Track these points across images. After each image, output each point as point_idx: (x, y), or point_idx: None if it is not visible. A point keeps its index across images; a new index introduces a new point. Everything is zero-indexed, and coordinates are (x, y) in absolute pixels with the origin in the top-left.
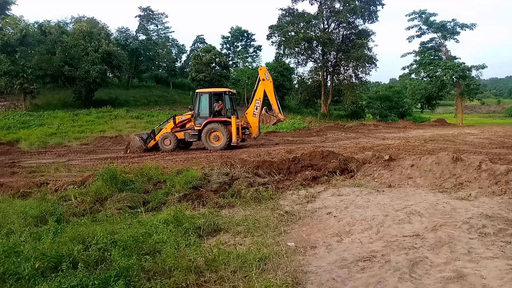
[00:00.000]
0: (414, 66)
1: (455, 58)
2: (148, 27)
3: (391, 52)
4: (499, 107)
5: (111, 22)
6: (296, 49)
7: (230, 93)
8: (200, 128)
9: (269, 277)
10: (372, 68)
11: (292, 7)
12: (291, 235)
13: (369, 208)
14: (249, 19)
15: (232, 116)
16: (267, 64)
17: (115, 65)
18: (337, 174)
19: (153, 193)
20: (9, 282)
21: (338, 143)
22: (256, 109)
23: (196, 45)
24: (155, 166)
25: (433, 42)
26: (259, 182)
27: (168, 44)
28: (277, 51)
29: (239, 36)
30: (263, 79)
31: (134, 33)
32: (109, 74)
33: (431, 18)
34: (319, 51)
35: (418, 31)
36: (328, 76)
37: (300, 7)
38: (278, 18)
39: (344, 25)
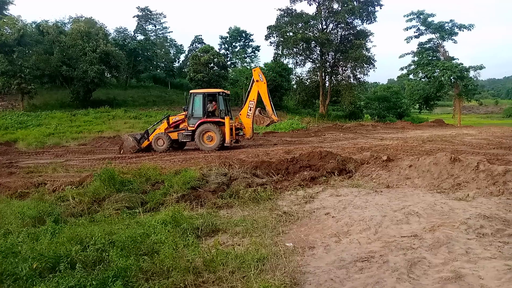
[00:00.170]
0: (412, 66)
1: (453, 58)
2: (146, 27)
3: (389, 53)
4: (497, 107)
5: (109, 22)
6: (295, 49)
7: (224, 94)
8: (193, 128)
9: (267, 278)
10: (370, 68)
11: (290, 8)
12: (289, 235)
13: (367, 208)
14: (248, 20)
15: (225, 117)
16: (266, 65)
17: (113, 65)
18: (335, 174)
19: (151, 194)
20: (7, 282)
21: (336, 144)
22: (250, 110)
23: (194, 45)
24: (153, 167)
25: (431, 42)
26: (257, 183)
27: (166, 44)
28: (276, 51)
29: (238, 36)
30: (257, 80)
31: (132, 33)
32: (107, 74)
33: (429, 19)
34: (317, 52)
35: (416, 32)
36: (326, 76)
37: (299, 7)
38: (277, 19)
39: (343, 25)
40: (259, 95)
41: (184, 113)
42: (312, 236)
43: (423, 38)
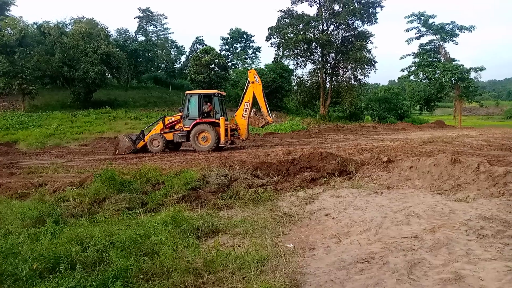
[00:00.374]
0: (413, 68)
1: (453, 60)
2: (148, 28)
3: (390, 54)
4: (498, 109)
5: (110, 23)
6: (295, 50)
7: (219, 95)
8: (189, 129)
9: (268, 279)
10: (371, 70)
11: (291, 9)
12: (290, 236)
13: (368, 209)
14: (249, 21)
15: (220, 118)
16: (266, 66)
17: (114, 66)
18: (336, 175)
19: (152, 194)
20: (7, 283)
21: (336, 145)
22: (245, 111)
23: (195, 46)
24: (153, 167)
25: (432, 44)
26: (257, 184)
27: (167, 45)
28: (276, 52)
29: (238, 37)
30: (252, 82)
31: (133, 34)
32: (108, 75)
33: (430, 20)
34: (318, 53)
35: (417, 33)
36: (327, 77)
37: (299, 8)
38: (277, 20)
39: (343, 27)
40: (254, 96)
41: (179, 114)
42: (312, 237)
43: (424, 40)
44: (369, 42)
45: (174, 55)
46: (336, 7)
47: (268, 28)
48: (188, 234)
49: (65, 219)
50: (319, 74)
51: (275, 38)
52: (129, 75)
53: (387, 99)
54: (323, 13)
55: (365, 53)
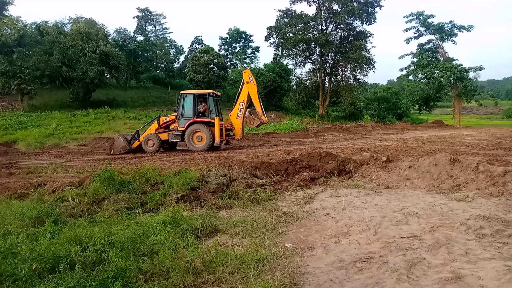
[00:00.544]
0: (412, 67)
1: (452, 59)
2: (146, 28)
3: (389, 54)
4: (497, 108)
5: (109, 23)
6: (294, 50)
7: (214, 95)
8: (183, 129)
9: (267, 278)
10: (370, 69)
11: (290, 9)
12: (289, 236)
13: (367, 209)
14: (247, 20)
15: (215, 117)
16: (265, 65)
17: (113, 66)
18: (335, 175)
19: (151, 194)
20: (6, 283)
21: (336, 144)
22: (240, 111)
23: (194, 46)
24: (152, 167)
25: (431, 43)
26: (257, 183)
27: (166, 45)
28: (275, 52)
29: (237, 37)
30: (247, 82)
31: (132, 34)
32: (107, 75)
33: (429, 20)
34: (317, 53)
35: (416, 33)
36: (326, 77)
37: (298, 8)
38: (276, 19)
39: (342, 26)
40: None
41: (174, 113)
42: (311, 237)
43: (423, 39)
44: (368, 41)
45: (173, 55)
46: (335, 6)
47: (267, 28)
48: (188, 234)
49: (64, 219)
50: (318, 74)
51: (274, 38)
52: (128, 75)
53: (386, 99)
54: (322, 13)
55: (364, 53)
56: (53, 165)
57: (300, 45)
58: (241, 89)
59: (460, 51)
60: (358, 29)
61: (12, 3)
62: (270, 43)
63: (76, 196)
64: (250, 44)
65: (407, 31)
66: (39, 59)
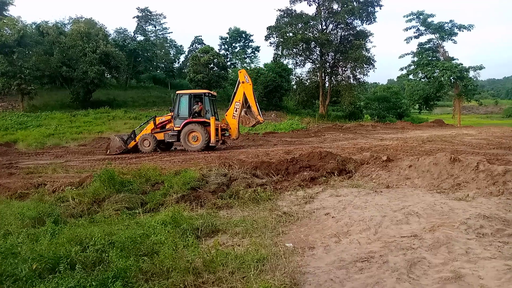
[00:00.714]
0: (412, 67)
1: (452, 59)
2: (146, 28)
3: (389, 53)
4: (497, 107)
5: (109, 23)
6: (294, 50)
7: (210, 95)
8: (179, 129)
9: (267, 278)
10: (370, 69)
11: (290, 8)
12: (289, 236)
13: (367, 208)
14: (248, 20)
15: (211, 117)
16: (265, 65)
17: (113, 66)
18: (335, 174)
19: (151, 194)
20: (6, 283)
21: (336, 144)
22: (236, 111)
23: (194, 46)
24: (153, 167)
25: (431, 43)
26: (257, 183)
27: (166, 45)
28: (275, 52)
29: (237, 37)
30: (242, 82)
31: (132, 34)
32: (107, 75)
33: (429, 19)
34: (317, 52)
35: (416, 32)
36: (326, 77)
37: (298, 8)
38: (276, 19)
39: (342, 26)
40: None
41: (170, 113)
42: (312, 237)
43: (423, 39)
44: (368, 41)
45: (173, 55)
46: (335, 6)
47: (267, 28)
48: (188, 233)
49: (64, 219)
50: (318, 73)
51: (274, 38)
52: (128, 75)
53: (386, 98)
54: (322, 12)
55: (364, 52)
56: (53, 165)
57: (300, 45)
58: (236, 89)
59: (460, 50)
60: (358, 28)
61: (12, 3)
62: (270, 42)
63: (76, 196)
64: (250, 43)
65: (407, 30)
66: (39, 59)
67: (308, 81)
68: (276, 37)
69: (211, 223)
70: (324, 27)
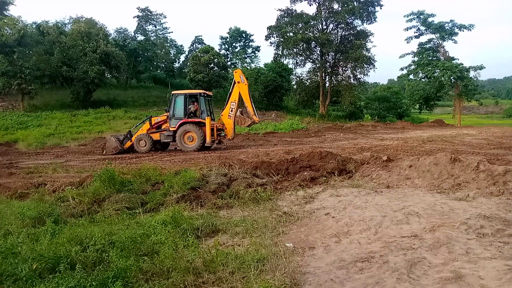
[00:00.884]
0: (413, 67)
1: (453, 59)
2: (147, 27)
3: (390, 53)
4: (497, 107)
5: (109, 22)
6: (295, 49)
7: (205, 95)
8: (175, 129)
9: (267, 278)
10: (371, 69)
11: (290, 8)
12: (290, 236)
13: (367, 208)
14: (248, 20)
15: (206, 117)
16: (266, 65)
17: (113, 66)
18: (336, 174)
19: (151, 194)
20: (7, 283)
21: (336, 144)
22: (231, 111)
23: (194, 45)
24: (153, 167)
25: (431, 43)
26: (257, 183)
27: (166, 44)
28: (276, 51)
29: (238, 36)
30: (238, 82)
31: (133, 34)
32: (107, 75)
33: (429, 19)
34: (318, 52)
35: (417, 32)
36: (327, 76)
37: (299, 7)
38: (277, 19)
39: (343, 25)
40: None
41: (166, 114)
42: (312, 237)
43: (423, 38)
44: (368, 41)
45: (173, 55)
46: (336, 6)
47: (268, 27)
48: (188, 233)
49: (64, 219)
50: (318, 73)
51: (274, 37)
52: (128, 74)
53: (386, 98)
54: (323, 12)
55: (364, 52)
56: (54, 165)
57: (300, 45)
58: (232, 89)
59: (460, 50)
60: (358, 28)
61: (12, 3)
62: (270, 42)
63: (76, 196)
64: (250, 43)
65: (407, 30)
66: (40, 59)
67: (309, 81)
68: (277, 37)
69: (211, 223)
70: (325, 27)
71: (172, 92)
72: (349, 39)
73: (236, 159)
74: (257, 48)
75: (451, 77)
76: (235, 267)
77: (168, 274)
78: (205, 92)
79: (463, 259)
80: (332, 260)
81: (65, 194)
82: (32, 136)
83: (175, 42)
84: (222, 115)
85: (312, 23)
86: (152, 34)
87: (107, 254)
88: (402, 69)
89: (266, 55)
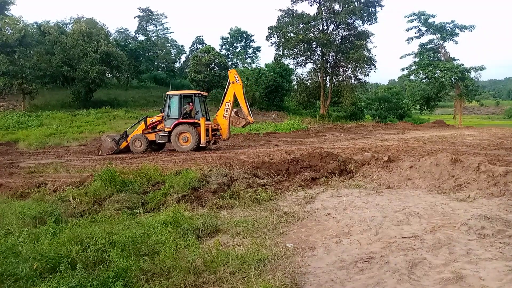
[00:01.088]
0: (413, 67)
1: (454, 59)
2: (147, 27)
3: (390, 53)
4: (498, 108)
5: (110, 22)
6: (295, 50)
7: (200, 95)
8: (170, 129)
9: (268, 278)
10: (371, 69)
11: (291, 8)
12: (290, 236)
13: (368, 209)
14: (249, 20)
15: (201, 118)
16: (266, 65)
17: (114, 66)
18: (336, 175)
19: (152, 194)
20: (7, 283)
21: (337, 144)
22: (226, 111)
23: (195, 45)
24: (154, 167)
25: (432, 43)
26: (258, 183)
27: (167, 44)
28: (276, 52)
29: (238, 37)
30: (232, 82)
31: (133, 34)
32: (108, 75)
33: (430, 20)
34: (318, 52)
35: (417, 33)
36: (327, 77)
37: (300, 8)
38: (278, 19)
39: (343, 26)
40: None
41: (161, 114)
42: (312, 237)
43: (424, 39)
44: (369, 41)
45: (174, 55)
46: (336, 6)
47: (268, 28)
48: (189, 233)
49: (65, 218)
50: (319, 74)
51: (275, 38)
52: (129, 74)
53: (387, 99)
54: (323, 13)
55: (365, 53)
56: (54, 164)
57: (301, 45)
58: (227, 89)
59: (461, 51)
60: (359, 28)
61: (13, 3)
62: (271, 43)
63: (77, 196)
64: (251, 44)
65: (408, 30)
66: (41, 58)
67: (309, 81)
68: (277, 37)
69: (212, 223)
70: (325, 27)
71: (167, 93)
72: (350, 39)
73: (237, 159)
74: (258, 49)
75: (452, 78)
76: (235, 267)
77: (168, 274)
78: (200, 92)
79: (463, 259)
80: (332, 261)
81: (65, 194)
82: (33, 136)
83: (176, 42)
84: (217, 115)
85: (313, 24)
86: (153, 34)
87: (107, 254)
88: (403, 69)
89: (266, 55)
